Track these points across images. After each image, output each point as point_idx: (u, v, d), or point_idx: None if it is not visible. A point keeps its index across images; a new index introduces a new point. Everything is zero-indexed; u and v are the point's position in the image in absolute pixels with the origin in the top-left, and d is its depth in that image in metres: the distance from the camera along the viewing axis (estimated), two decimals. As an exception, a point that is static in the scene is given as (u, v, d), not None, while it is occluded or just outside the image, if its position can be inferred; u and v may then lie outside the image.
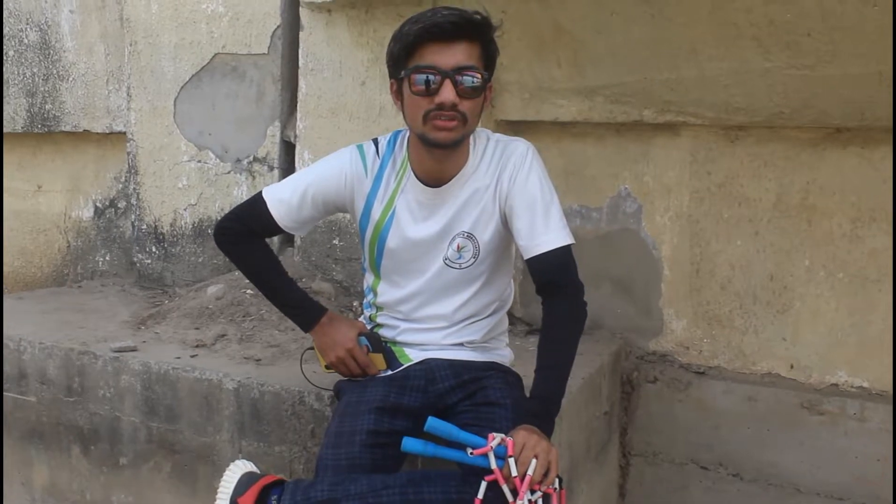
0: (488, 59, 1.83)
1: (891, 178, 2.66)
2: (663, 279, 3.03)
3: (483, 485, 1.65)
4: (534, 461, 1.62)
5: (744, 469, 2.89)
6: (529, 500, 1.63)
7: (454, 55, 1.75)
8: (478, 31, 1.78)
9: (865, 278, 2.75)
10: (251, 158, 3.37)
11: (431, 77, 1.75)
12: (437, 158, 1.89)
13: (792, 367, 2.87)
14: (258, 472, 1.92)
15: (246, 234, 2.05)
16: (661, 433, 3.02)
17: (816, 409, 2.77)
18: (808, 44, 2.37)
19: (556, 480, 1.67)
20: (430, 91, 1.76)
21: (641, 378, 3.05)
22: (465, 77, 1.76)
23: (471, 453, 1.66)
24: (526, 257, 1.88)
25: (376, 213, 1.98)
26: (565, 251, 1.87)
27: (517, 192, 1.89)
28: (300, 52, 3.19)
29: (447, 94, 1.75)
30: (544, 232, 1.86)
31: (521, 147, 1.94)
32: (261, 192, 2.03)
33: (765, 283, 2.88)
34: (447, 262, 1.96)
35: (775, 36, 2.39)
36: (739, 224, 2.89)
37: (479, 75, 1.78)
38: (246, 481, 1.86)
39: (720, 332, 2.97)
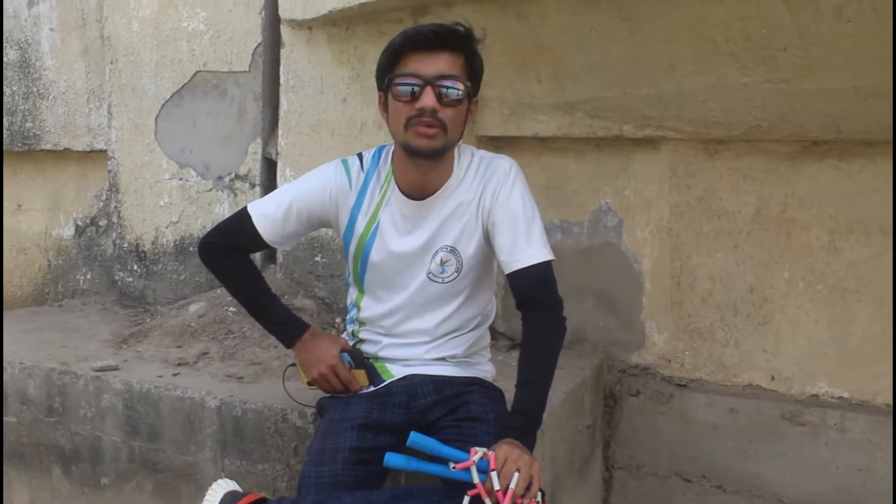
0: (472, 71, 1.85)
1: (868, 191, 2.69)
2: (644, 292, 3.05)
3: (466, 499, 1.65)
4: (516, 474, 1.63)
5: (727, 481, 2.90)
6: None
7: (436, 64, 1.78)
8: (460, 42, 1.81)
9: (844, 290, 2.77)
10: (233, 176, 3.37)
11: (414, 84, 1.78)
12: (422, 170, 1.90)
13: (773, 378, 2.89)
14: (241, 490, 1.92)
15: (230, 249, 2.04)
16: (644, 446, 3.03)
17: (797, 420, 2.79)
18: (784, 59, 2.39)
19: (539, 494, 1.68)
20: (412, 98, 1.78)
21: (624, 391, 3.06)
22: (446, 86, 1.78)
23: (453, 467, 1.66)
24: (506, 272, 1.90)
25: (360, 226, 1.99)
26: (545, 267, 1.88)
27: (500, 208, 1.91)
28: (281, 69, 3.20)
29: (427, 99, 1.77)
30: (525, 248, 1.88)
31: (504, 164, 1.95)
32: (245, 208, 2.03)
33: (745, 295, 2.90)
34: (430, 276, 1.97)
35: (752, 51, 2.42)
36: (719, 237, 2.91)
37: (461, 85, 1.80)
38: (229, 500, 1.86)
39: (701, 345, 2.98)
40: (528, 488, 1.64)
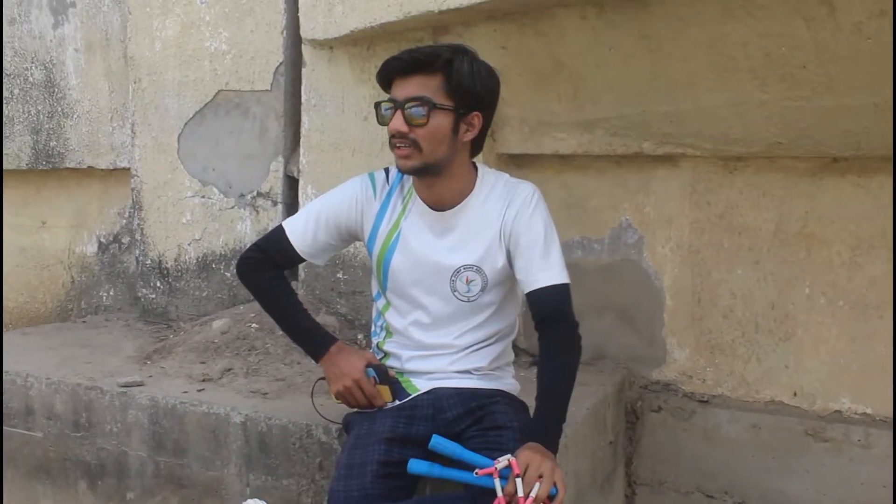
0: (456, 88, 1.88)
1: (889, 206, 2.69)
2: (665, 309, 3.05)
3: None
4: (537, 485, 1.64)
5: (749, 497, 2.89)
6: None
7: (407, 87, 1.87)
8: (434, 63, 1.86)
9: (866, 305, 2.77)
10: (255, 193, 3.40)
11: (387, 108, 1.90)
12: (426, 184, 2.00)
13: (795, 394, 2.89)
14: (268, 506, 1.94)
15: (264, 263, 2.12)
16: (667, 462, 3.03)
17: (821, 436, 2.78)
18: (803, 76, 2.41)
19: None
20: (388, 121, 1.90)
21: (646, 407, 3.05)
22: (411, 108, 1.86)
23: (476, 473, 1.68)
24: (524, 291, 1.96)
25: (383, 232, 2.06)
26: (562, 289, 1.94)
27: (522, 231, 1.97)
28: (303, 88, 3.23)
29: (395, 123, 1.88)
30: (542, 269, 1.94)
31: (527, 189, 2.02)
32: (280, 224, 2.13)
33: (766, 311, 2.90)
34: (457, 294, 2.02)
35: (771, 68, 2.43)
36: (740, 253, 2.92)
37: (424, 106, 1.86)
38: (256, 516, 1.88)
39: (723, 361, 2.98)
40: (553, 496, 1.66)
